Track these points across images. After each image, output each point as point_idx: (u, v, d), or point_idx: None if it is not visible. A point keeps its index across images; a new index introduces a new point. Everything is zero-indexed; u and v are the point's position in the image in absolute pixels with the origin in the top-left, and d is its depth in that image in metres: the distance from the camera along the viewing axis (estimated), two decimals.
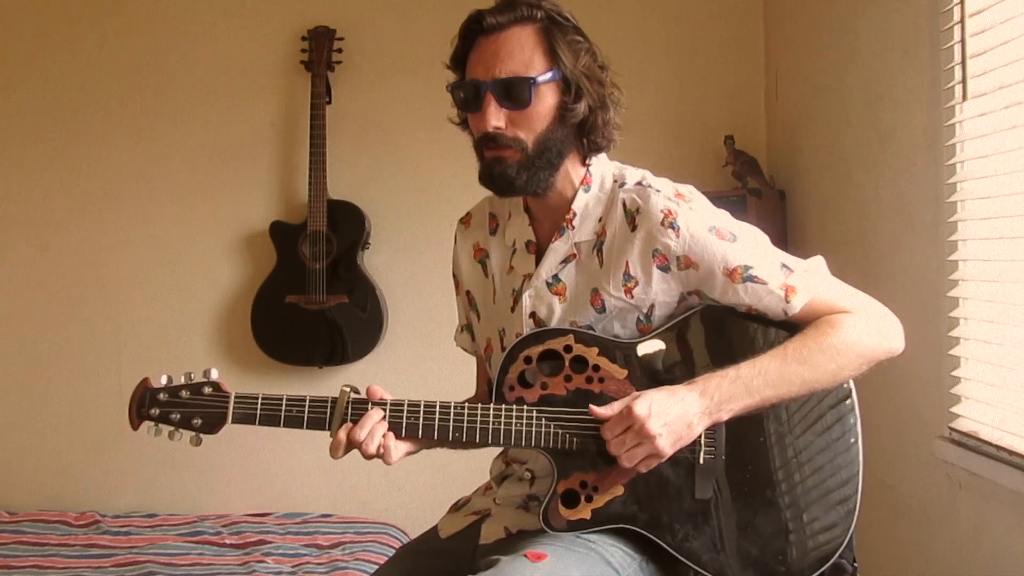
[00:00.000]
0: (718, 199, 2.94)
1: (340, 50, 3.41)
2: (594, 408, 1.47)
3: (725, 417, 1.46)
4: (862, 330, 1.50)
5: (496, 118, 1.51)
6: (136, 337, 3.49)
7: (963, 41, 2.12)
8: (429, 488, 3.28)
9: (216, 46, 3.49)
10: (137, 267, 3.50)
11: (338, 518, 3.31)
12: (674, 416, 1.43)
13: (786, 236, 3.20)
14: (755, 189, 3.17)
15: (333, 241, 3.33)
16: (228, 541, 3.10)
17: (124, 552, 3.00)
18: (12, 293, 3.51)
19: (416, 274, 3.42)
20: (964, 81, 2.13)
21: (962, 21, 2.12)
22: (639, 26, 3.44)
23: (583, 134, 1.57)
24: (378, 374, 3.42)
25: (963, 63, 2.12)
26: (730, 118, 3.39)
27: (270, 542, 3.08)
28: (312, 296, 3.32)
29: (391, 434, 1.51)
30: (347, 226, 3.36)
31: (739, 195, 3.16)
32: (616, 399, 1.49)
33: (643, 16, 3.45)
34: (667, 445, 1.43)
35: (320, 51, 3.36)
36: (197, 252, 3.49)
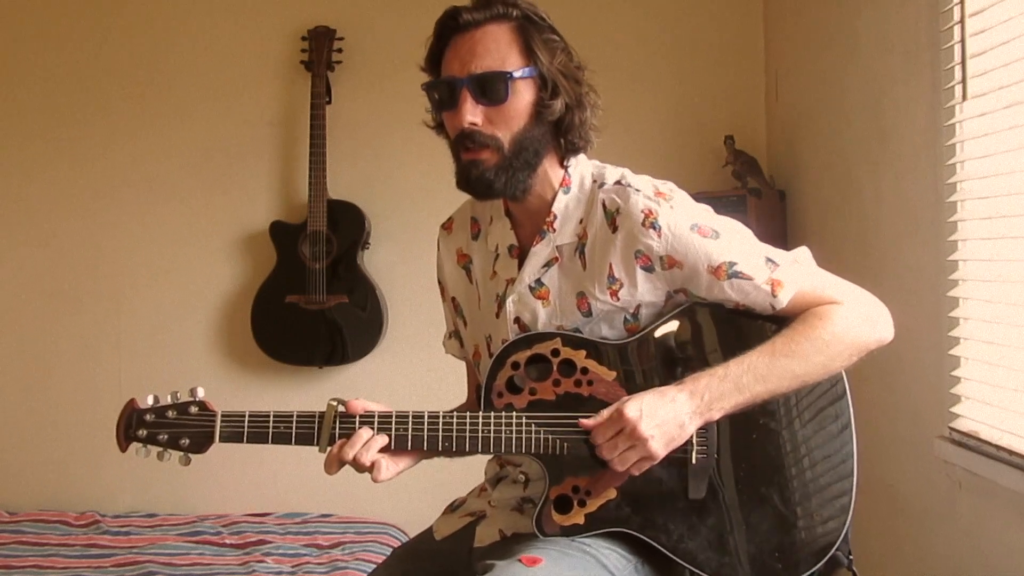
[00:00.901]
0: (718, 199, 2.97)
1: (340, 50, 3.41)
2: (583, 421, 1.46)
3: (716, 416, 1.45)
4: (850, 320, 1.49)
5: (472, 114, 1.49)
6: (136, 337, 3.49)
7: (963, 41, 2.12)
8: (428, 488, 3.25)
9: (216, 46, 3.49)
10: (137, 267, 3.50)
11: (338, 518, 3.31)
12: (665, 417, 1.42)
13: (786, 236, 3.19)
14: (755, 189, 3.17)
15: (333, 241, 3.33)
16: (228, 541, 3.10)
17: (124, 552, 3.00)
18: (12, 292, 3.52)
19: (416, 274, 3.42)
20: (964, 81, 2.12)
21: (962, 21, 2.12)
22: (639, 26, 3.43)
23: (560, 133, 1.55)
24: (378, 374, 3.42)
25: (963, 63, 2.12)
26: (730, 118, 3.39)
27: (270, 542, 3.08)
28: (312, 296, 3.32)
29: (384, 453, 1.50)
30: (347, 226, 3.36)
31: (739, 195, 3.15)
32: (605, 400, 1.49)
33: (643, 16, 3.44)
34: (660, 447, 1.42)
35: (320, 51, 3.36)
36: (197, 252, 3.50)
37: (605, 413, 1.45)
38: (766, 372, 1.45)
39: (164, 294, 3.50)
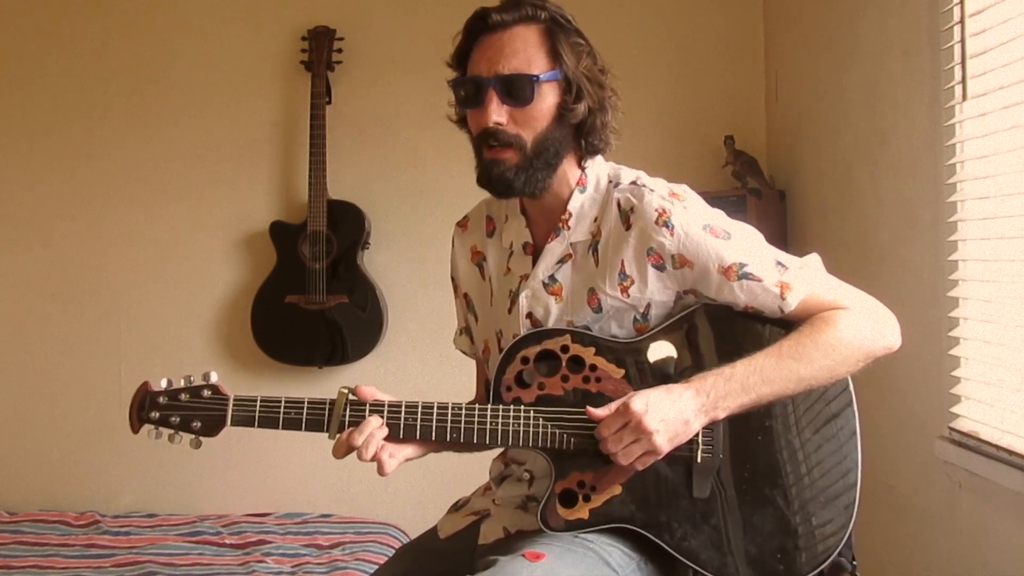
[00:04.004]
0: (718, 199, 2.96)
1: (340, 50, 3.41)
2: (590, 409, 1.47)
3: (722, 415, 1.46)
4: (858, 326, 1.50)
5: (498, 114, 1.51)
6: (136, 337, 3.49)
7: (963, 41, 2.12)
8: (429, 488, 3.28)
9: (216, 46, 3.49)
10: (137, 267, 3.50)
11: (338, 518, 3.31)
12: (671, 413, 1.43)
13: (786, 236, 3.20)
14: (755, 189, 3.17)
15: (333, 241, 3.33)
16: (228, 541, 3.10)
17: (124, 552, 3.00)
18: (12, 292, 3.52)
19: (416, 274, 3.43)
20: (964, 81, 2.13)
21: (962, 21, 2.12)
22: (639, 26, 3.44)
23: (581, 135, 1.57)
24: (378, 374, 3.42)
25: (963, 63, 2.12)
26: (730, 118, 3.39)
27: (270, 542, 3.08)
28: (312, 296, 3.32)
29: (389, 446, 1.50)
30: (347, 226, 3.36)
31: (739, 195, 3.16)
32: (614, 398, 1.49)
33: (643, 16, 3.45)
34: (664, 442, 1.43)
35: (320, 51, 3.36)
36: (197, 252, 3.50)
37: (612, 405, 1.46)
38: (772, 374, 1.46)
39: (164, 294, 3.50)
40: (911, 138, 2.40)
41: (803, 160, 3.15)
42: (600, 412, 1.46)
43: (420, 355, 3.44)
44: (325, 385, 3.36)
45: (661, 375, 1.52)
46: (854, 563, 1.53)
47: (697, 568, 1.49)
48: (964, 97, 2.14)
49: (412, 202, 3.46)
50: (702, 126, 3.41)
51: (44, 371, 3.51)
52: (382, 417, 1.51)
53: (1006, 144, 2.03)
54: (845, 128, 2.79)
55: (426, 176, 3.43)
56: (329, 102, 3.36)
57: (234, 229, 3.49)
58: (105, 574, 2.85)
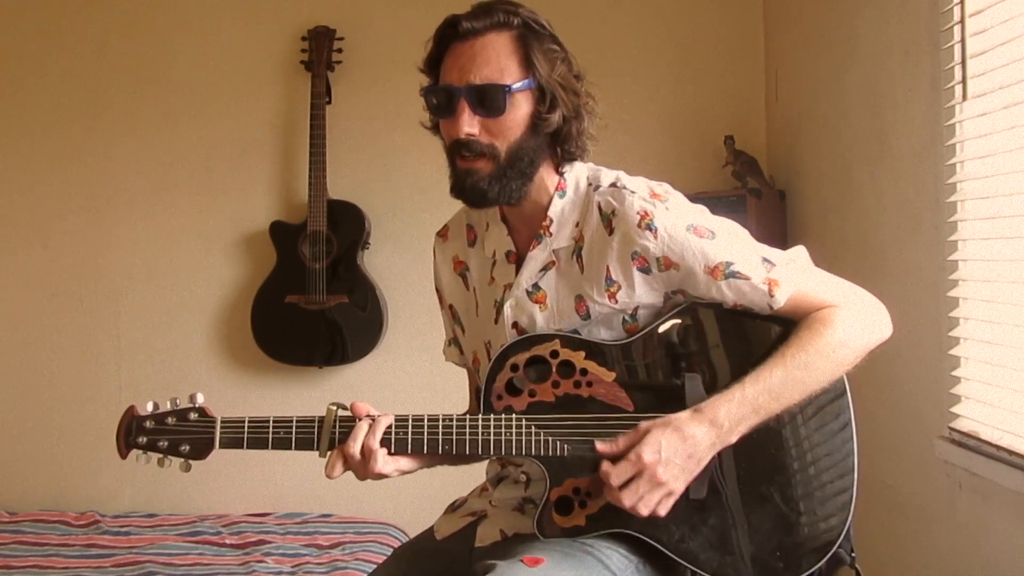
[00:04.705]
0: (718, 199, 2.97)
1: (340, 50, 3.41)
2: (599, 446, 1.45)
3: (734, 440, 1.44)
4: (854, 325, 1.49)
5: (469, 125, 1.49)
6: (136, 337, 3.49)
7: (963, 41, 2.12)
8: (428, 488, 3.26)
9: (216, 46, 3.49)
10: (137, 267, 3.50)
11: (338, 518, 3.32)
12: (684, 457, 1.41)
13: (786, 236, 3.19)
14: (755, 189, 3.17)
15: (333, 241, 3.33)
16: (228, 541, 3.10)
17: (124, 552, 3.00)
18: (12, 292, 3.52)
19: (416, 274, 3.41)
20: (964, 81, 2.13)
21: (962, 21, 2.12)
22: (639, 26, 3.43)
23: (556, 143, 1.55)
24: (378, 374, 3.43)
25: (963, 63, 2.12)
26: (730, 118, 3.39)
27: (270, 542, 3.08)
28: (312, 296, 3.32)
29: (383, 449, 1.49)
30: (347, 226, 3.36)
31: (739, 195, 3.15)
32: (605, 402, 1.49)
33: (643, 16, 3.44)
34: (680, 485, 1.43)
35: (320, 51, 3.36)
36: (197, 252, 3.50)
37: (622, 442, 1.44)
38: (780, 389, 1.44)
39: (164, 294, 3.50)
40: (911, 138, 2.40)
41: (803, 160, 3.14)
42: (608, 448, 1.44)
43: (420, 355, 3.43)
44: (325, 385, 3.36)
45: (653, 375, 1.51)
46: (853, 555, 1.52)
47: (695, 569, 1.49)
48: (964, 97, 2.14)
49: (412, 202, 3.46)
50: (702, 126, 3.41)
51: (44, 371, 3.51)
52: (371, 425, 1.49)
53: (1006, 144, 2.03)
54: (845, 128, 2.79)
55: (426, 176, 3.42)
56: (329, 102, 3.36)
57: (234, 229, 3.49)
58: (105, 574, 2.85)
